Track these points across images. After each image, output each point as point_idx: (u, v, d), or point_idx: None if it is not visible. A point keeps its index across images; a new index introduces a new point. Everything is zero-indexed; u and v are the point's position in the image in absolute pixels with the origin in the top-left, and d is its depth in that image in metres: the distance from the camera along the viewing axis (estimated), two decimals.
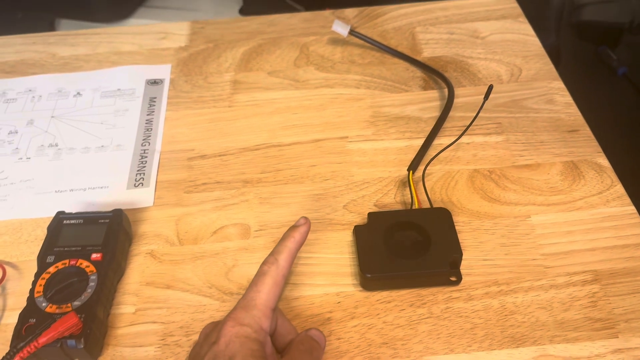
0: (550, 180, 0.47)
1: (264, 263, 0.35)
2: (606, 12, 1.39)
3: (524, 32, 0.62)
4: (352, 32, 0.61)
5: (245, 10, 1.06)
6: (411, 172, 0.47)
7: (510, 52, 0.60)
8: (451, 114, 0.53)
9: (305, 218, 0.38)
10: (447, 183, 0.48)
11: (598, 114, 1.28)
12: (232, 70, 0.61)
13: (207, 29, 0.67)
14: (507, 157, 0.50)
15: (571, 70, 1.39)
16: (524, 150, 0.50)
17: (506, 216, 0.45)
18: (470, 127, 0.51)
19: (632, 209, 0.45)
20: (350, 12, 0.68)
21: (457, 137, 0.50)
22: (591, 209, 0.45)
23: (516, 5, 0.66)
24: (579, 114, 0.53)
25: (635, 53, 1.37)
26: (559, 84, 0.56)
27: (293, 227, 0.37)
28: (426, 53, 0.61)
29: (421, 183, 0.47)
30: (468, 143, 0.51)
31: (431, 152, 0.50)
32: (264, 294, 0.34)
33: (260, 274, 0.35)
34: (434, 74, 0.57)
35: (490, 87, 0.48)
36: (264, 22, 0.67)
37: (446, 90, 0.55)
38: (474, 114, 0.51)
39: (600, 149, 0.50)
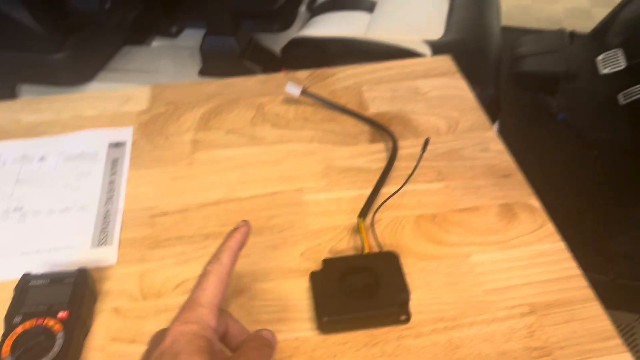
0: (487, 222, 0.52)
1: (207, 264, 0.36)
2: (544, 63, 1.51)
3: (460, 88, 0.69)
4: (304, 92, 0.65)
5: (204, 71, 1.11)
6: (361, 219, 0.51)
7: (448, 106, 0.66)
8: (396, 164, 0.58)
9: (245, 221, 0.39)
10: (396, 228, 0.52)
11: (542, 156, 1.37)
12: (192, 130, 0.64)
13: (168, 92, 0.70)
14: (448, 202, 0.54)
15: (515, 118, 1.48)
16: (463, 195, 0.55)
17: (449, 257, 0.49)
18: (414, 176, 0.56)
19: (561, 245, 0.50)
20: (302, 73, 0.73)
21: (401, 185, 0.54)
22: (526, 246, 0.50)
23: (452, 63, 0.73)
24: (512, 160, 0.59)
25: (572, 99, 1.47)
26: (492, 134, 0.62)
27: (233, 229, 0.38)
28: (372, 109, 0.66)
29: (371, 229, 0.51)
30: (413, 190, 0.55)
31: (380, 200, 0.54)
32: (209, 291, 0.34)
33: (204, 274, 0.35)
34: (380, 128, 0.62)
35: (427, 141, 0.53)
36: (222, 84, 0.71)
37: (391, 142, 0.60)
38: (420, 164, 0.56)
39: (531, 192, 0.55)
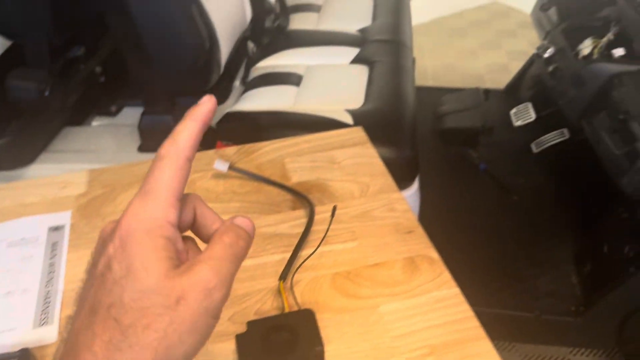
0: (394, 275, 0.59)
1: (161, 147, 0.30)
2: (463, 119, 1.65)
3: (370, 156, 0.77)
4: (231, 167, 0.72)
5: (144, 148, 1.17)
6: (282, 282, 0.57)
7: (360, 172, 0.74)
8: (315, 228, 0.65)
9: (210, 95, 0.32)
10: (314, 286, 0.58)
11: (468, 204, 1.47)
12: None
13: (105, 175, 0.76)
14: (361, 259, 0.61)
15: (442, 170, 1.60)
16: (374, 251, 0.62)
17: (361, 308, 0.55)
18: (332, 237, 0.63)
19: (456, 290, 0.57)
20: (230, 149, 0.80)
21: (315, 248, 0.61)
22: (427, 294, 0.57)
23: (364, 134, 0.82)
24: (414, 217, 0.67)
25: (491, 150, 1.61)
26: (398, 195, 0.70)
27: (194, 106, 0.31)
28: (294, 179, 0.74)
29: (291, 289, 0.57)
30: (330, 251, 0.62)
31: (299, 262, 0.60)
32: (165, 180, 0.28)
33: (157, 159, 0.29)
34: (300, 196, 0.70)
35: (334, 208, 0.60)
36: (139, 168, 0.77)
37: (310, 209, 0.67)
38: (336, 226, 0.63)
39: (431, 245, 0.63)
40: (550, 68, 1.31)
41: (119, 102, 1.34)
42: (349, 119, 1.09)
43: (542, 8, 1.49)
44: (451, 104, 1.71)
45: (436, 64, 2.90)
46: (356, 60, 1.35)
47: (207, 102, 0.31)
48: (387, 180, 0.72)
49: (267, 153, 0.79)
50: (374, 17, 1.56)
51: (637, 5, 1.36)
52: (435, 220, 1.40)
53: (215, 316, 0.29)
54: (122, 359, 0.26)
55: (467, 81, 2.73)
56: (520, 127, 1.63)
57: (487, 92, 1.76)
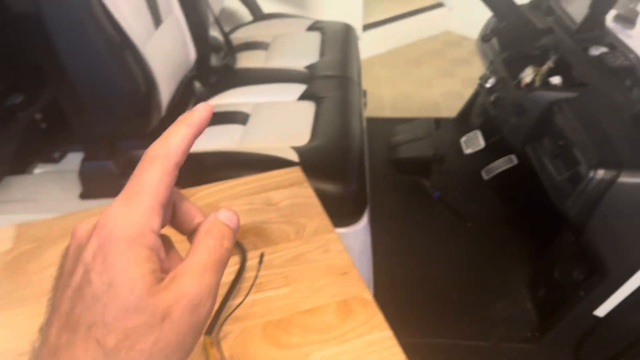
0: (327, 320, 0.58)
1: (150, 148, 0.27)
2: (415, 149, 1.67)
3: (307, 196, 0.77)
4: None
5: (85, 195, 1.14)
6: (207, 336, 0.55)
7: (296, 214, 0.73)
8: (248, 274, 0.63)
9: (207, 104, 0.30)
10: (244, 338, 0.56)
11: (423, 233, 1.48)
12: (55, 265, 0.66)
13: (34, 229, 0.73)
14: (293, 305, 0.60)
15: (396, 200, 1.61)
16: (307, 297, 0.61)
17: (292, 358, 0.54)
18: (264, 284, 0.61)
19: (389, 332, 0.56)
20: None
21: (243, 298, 0.59)
22: (359, 337, 0.56)
23: (301, 174, 0.81)
24: (349, 258, 0.66)
25: (444, 179, 1.63)
26: (334, 235, 0.69)
27: (189, 111, 0.29)
28: None
29: (218, 344, 0.55)
30: (262, 298, 0.61)
31: (228, 312, 0.58)
32: (151, 184, 0.26)
33: (145, 160, 0.27)
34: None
35: (261, 255, 0.59)
36: (87, 214, 0.75)
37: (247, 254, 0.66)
38: (269, 272, 0.62)
39: (365, 286, 0.62)
40: (492, 98, 1.34)
41: (62, 148, 1.31)
42: (294, 156, 1.08)
43: (483, 39, 1.53)
44: (404, 134, 1.73)
45: (393, 93, 2.95)
46: (303, 97, 1.36)
47: (203, 110, 0.29)
48: (323, 220, 0.72)
49: (203, 197, 0.78)
50: (322, 54, 1.58)
51: (573, 34, 1.42)
52: (389, 251, 1.40)
53: (201, 331, 0.27)
54: None
55: (423, 110, 2.79)
56: (470, 154, 1.66)
57: (438, 121, 1.79)
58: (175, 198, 0.30)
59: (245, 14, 2.35)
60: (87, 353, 0.24)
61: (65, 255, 0.28)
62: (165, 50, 1.13)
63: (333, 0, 2.79)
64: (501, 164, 1.55)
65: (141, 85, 0.96)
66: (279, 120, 1.24)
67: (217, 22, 1.49)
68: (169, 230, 0.32)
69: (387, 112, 2.75)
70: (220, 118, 1.26)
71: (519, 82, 1.41)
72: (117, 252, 0.24)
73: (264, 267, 0.65)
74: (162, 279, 0.26)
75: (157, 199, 0.26)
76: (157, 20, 1.14)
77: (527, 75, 1.43)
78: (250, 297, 0.60)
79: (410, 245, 1.44)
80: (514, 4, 1.44)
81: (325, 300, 0.60)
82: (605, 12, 1.40)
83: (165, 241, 0.29)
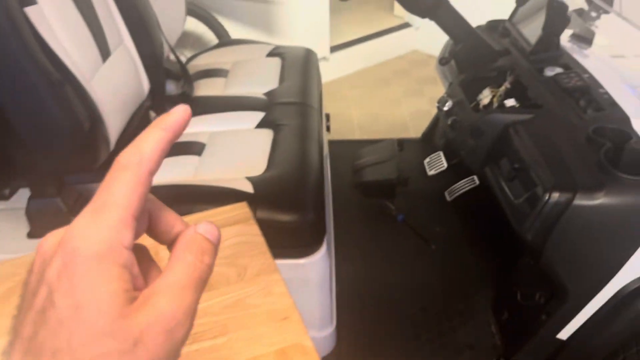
0: None
1: (121, 155, 0.25)
2: (379, 172, 1.66)
3: (252, 234, 0.74)
4: None
5: (33, 234, 1.09)
6: None
7: (239, 254, 0.71)
8: None
9: (185, 106, 0.27)
10: None
11: (386, 256, 1.46)
12: None
13: None
14: (230, 357, 0.57)
15: (361, 224, 1.59)
16: (245, 346, 0.58)
17: None
18: (200, 333, 0.58)
19: None
20: None
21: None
22: None
23: (247, 210, 0.79)
24: (292, 301, 0.64)
25: (408, 201, 1.62)
26: (277, 276, 0.67)
27: (164, 114, 0.27)
28: None
29: None
30: (197, 349, 0.58)
31: None
32: (122, 195, 0.24)
33: (115, 169, 0.25)
34: None
35: None
36: (22, 265, 0.71)
37: None
38: (207, 320, 0.59)
39: (306, 332, 0.60)
40: (450, 121, 1.34)
41: (12, 184, 1.26)
42: (249, 187, 1.06)
43: (440, 62, 1.54)
44: (368, 157, 1.72)
45: (362, 114, 2.96)
46: (261, 124, 1.34)
47: (180, 112, 0.27)
48: (266, 260, 0.69)
49: (146, 238, 0.75)
50: (281, 80, 1.57)
51: (528, 55, 1.43)
52: (353, 279, 1.38)
53: (177, 356, 0.25)
54: None
55: (392, 130, 2.79)
56: (433, 175, 1.65)
57: (402, 143, 1.79)
58: (150, 207, 0.28)
59: (212, 37, 2.34)
60: None
61: (30, 271, 0.25)
62: (114, 83, 1.10)
63: (300, 23, 2.79)
64: (464, 185, 1.54)
65: (84, 122, 0.93)
66: (235, 149, 1.22)
67: (172, 50, 1.47)
68: (146, 240, 0.29)
69: (356, 134, 2.75)
70: (174, 149, 1.23)
71: (477, 103, 1.41)
72: (83, 271, 0.22)
73: (201, 315, 0.62)
74: (134, 299, 0.24)
75: (128, 211, 0.24)
76: (105, 52, 1.11)
77: (485, 96, 1.44)
78: (184, 349, 0.57)
79: (375, 271, 1.42)
80: (469, 27, 1.45)
81: (264, 350, 0.57)
82: (559, 33, 1.42)
83: (142, 253, 0.27)
